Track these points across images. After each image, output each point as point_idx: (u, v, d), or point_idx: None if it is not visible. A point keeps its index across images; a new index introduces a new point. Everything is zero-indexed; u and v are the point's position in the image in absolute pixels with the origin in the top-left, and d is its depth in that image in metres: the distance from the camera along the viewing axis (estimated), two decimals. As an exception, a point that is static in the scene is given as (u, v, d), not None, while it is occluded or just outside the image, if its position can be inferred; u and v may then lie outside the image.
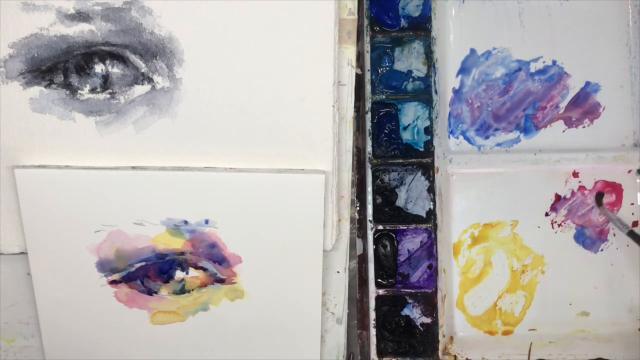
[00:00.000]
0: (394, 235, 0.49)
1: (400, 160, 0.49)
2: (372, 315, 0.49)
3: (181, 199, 0.44)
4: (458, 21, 0.51)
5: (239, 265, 0.46)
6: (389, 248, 0.50)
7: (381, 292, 0.49)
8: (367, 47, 0.49)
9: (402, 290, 0.50)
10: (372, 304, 0.49)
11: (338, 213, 0.46)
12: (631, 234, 0.43)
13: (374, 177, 0.49)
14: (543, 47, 0.51)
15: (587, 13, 0.51)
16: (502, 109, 0.51)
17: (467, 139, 0.51)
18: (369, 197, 0.49)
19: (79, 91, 0.43)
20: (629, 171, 0.51)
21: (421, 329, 0.50)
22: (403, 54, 0.49)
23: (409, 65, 0.49)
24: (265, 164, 0.45)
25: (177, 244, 0.45)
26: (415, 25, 0.49)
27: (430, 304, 0.50)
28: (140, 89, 0.43)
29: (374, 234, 0.49)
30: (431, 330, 0.50)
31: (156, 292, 0.46)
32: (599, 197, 0.47)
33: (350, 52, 0.45)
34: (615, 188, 0.51)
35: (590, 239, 0.52)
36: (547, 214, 0.52)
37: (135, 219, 0.44)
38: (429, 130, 0.49)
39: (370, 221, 0.49)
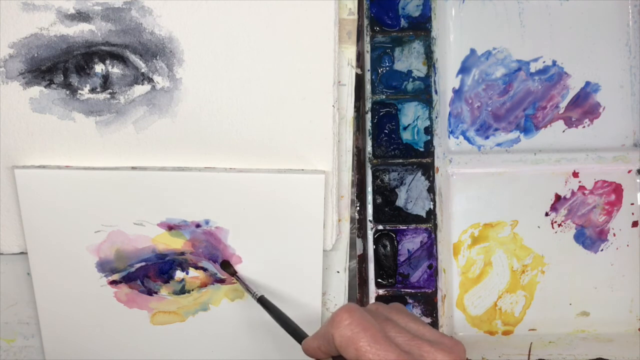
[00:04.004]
0: (394, 235, 0.49)
1: (400, 160, 0.49)
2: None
3: (181, 199, 0.44)
4: (458, 21, 0.51)
5: (239, 265, 0.46)
6: (389, 248, 0.50)
7: (381, 292, 0.49)
8: (367, 47, 0.49)
9: (402, 290, 0.50)
10: (372, 304, 0.49)
11: (338, 213, 0.46)
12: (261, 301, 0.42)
13: (374, 177, 0.49)
14: (543, 47, 0.51)
15: (587, 13, 0.51)
16: (502, 109, 0.51)
17: (467, 139, 0.51)
18: (369, 197, 0.49)
19: (79, 91, 0.43)
20: (629, 171, 0.51)
21: (421, 329, 0.50)
22: (403, 54, 0.49)
23: (409, 65, 0.49)
24: (265, 164, 0.45)
25: (177, 244, 0.45)
26: (415, 25, 0.49)
27: (430, 304, 0.50)
28: (140, 89, 0.43)
29: (374, 234, 0.49)
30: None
31: (156, 292, 0.46)
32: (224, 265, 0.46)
33: (350, 52, 0.45)
34: (616, 188, 0.51)
35: (590, 239, 0.52)
36: (547, 214, 0.52)
37: (135, 219, 0.44)
38: (429, 130, 0.49)
39: (370, 221, 0.49)
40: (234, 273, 0.45)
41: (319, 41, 0.43)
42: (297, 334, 0.38)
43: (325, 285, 0.48)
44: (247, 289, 0.44)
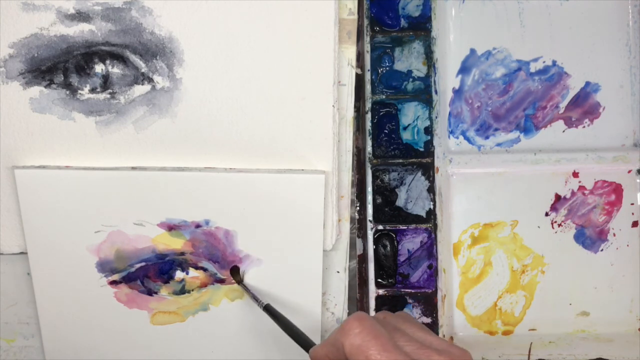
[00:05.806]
0: (394, 235, 0.49)
1: (400, 160, 0.49)
2: (372, 315, 0.49)
3: (181, 199, 0.44)
4: (458, 21, 0.51)
5: (239, 265, 0.46)
6: (389, 248, 0.50)
7: (381, 292, 0.49)
8: (367, 47, 0.49)
9: (402, 290, 0.50)
10: (372, 304, 0.49)
11: (338, 213, 0.46)
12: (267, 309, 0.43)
13: (374, 177, 0.49)
14: (543, 47, 0.51)
15: (587, 13, 0.51)
16: (502, 109, 0.51)
17: (467, 139, 0.51)
18: (369, 197, 0.49)
19: (79, 91, 0.43)
20: (629, 171, 0.51)
21: (421, 329, 0.50)
22: (403, 54, 0.49)
23: (409, 65, 0.49)
24: (265, 164, 0.45)
25: (177, 244, 0.45)
26: (415, 25, 0.49)
27: (430, 304, 0.50)
28: (140, 89, 0.43)
29: (374, 234, 0.49)
30: (431, 330, 0.50)
31: (156, 293, 0.46)
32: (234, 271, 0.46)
33: (350, 52, 0.45)
34: (616, 188, 0.51)
35: (590, 239, 0.52)
36: (547, 214, 0.52)
37: (135, 219, 0.44)
38: (429, 130, 0.49)
39: (370, 221, 0.49)
40: (239, 281, 0.45)
41: (319, 41, 0.43)
42: (304, 341, 0.38)
43: (325, 285, 0.48)
44: (253, 297, 0.44)
